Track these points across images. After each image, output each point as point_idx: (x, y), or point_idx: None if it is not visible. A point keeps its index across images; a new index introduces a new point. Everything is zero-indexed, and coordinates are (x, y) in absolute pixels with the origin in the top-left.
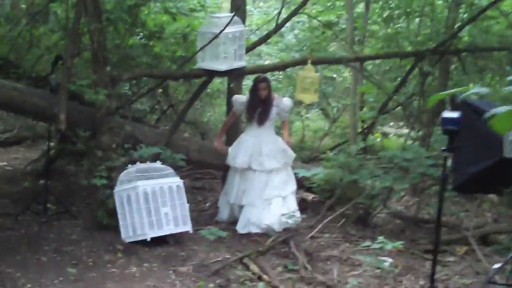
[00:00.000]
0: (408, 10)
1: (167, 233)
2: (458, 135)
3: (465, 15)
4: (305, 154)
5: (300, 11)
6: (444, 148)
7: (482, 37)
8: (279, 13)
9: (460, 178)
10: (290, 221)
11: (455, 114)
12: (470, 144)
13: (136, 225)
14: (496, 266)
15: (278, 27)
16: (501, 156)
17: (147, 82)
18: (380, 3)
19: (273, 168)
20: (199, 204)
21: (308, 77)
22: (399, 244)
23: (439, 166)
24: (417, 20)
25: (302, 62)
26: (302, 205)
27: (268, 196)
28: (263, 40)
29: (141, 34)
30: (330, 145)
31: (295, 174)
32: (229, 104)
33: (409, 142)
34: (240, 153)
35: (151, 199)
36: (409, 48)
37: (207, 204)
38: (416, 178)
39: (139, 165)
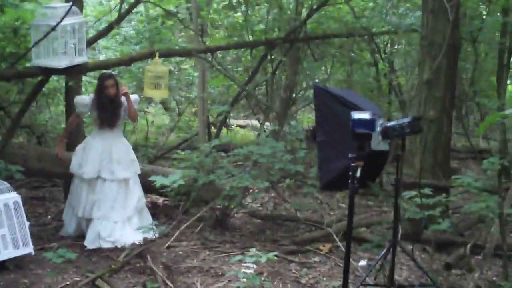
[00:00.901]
0: None
1: (6, 258)
2: (369, 138)
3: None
4: (151, 153)
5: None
6: (353, 155)
7: (327, 24)
8: (122, 2)
9: (327, 175)
10: (148, 235)
11: (366, 115)
12: (334, 137)
13: None
14: (362, 263)
15: (122, 16)
16: (370, 149)
17: None
18: None
19: (126, 177)
20: (40, 217)
21: (156, 72)
22: (272, 255)
23: (297, 160)
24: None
25: (149, 55)
26: (153, 210)
27: (130, 213)
28: (106, 32)
29: None
30: (175, 141)
31: (152, 182)
32: (69, 105)
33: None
34: (87, 161)
35: None
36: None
37: (49, 217)
38: (276, 174)
39: None
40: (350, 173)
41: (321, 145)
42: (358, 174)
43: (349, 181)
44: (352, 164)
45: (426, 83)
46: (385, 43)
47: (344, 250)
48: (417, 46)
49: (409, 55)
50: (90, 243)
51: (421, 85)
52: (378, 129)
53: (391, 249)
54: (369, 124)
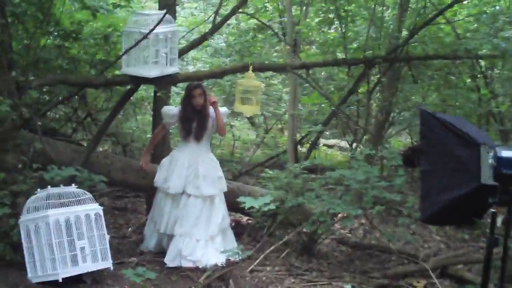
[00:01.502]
0: (343, 14)
1: (84, 271)
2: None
3: (413, 21)
4: (236, 168)
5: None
6: (493, 200)
7: (430, 45)
8: (217, 11)
9: (430, 207)
10: (232, 258)
11: None
12: (439, 166)
13: (46, 262)
14: None
15: (216, 27)
16: (478, 183)
17: (62, 89)
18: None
19: (211, 194)
20: (121, 228)
21: (249, 86)
22: None
23: (393, 188)
24: (363, 26)
25: (242, 69)
26: (236, 229)
27: (213, 233)
28: (199, 42)
29: (55, 33)
30: (261, 158)
31: (241, 203)
32: (156, 115)
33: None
34: (173, 175)
35: (65, 231)
36: (356, 55)
37: (130, 229)
38: (369, 202)
39: (50, 190)
40: (490, 220)
41: (426, 175)
42: (499, 222)
43: (488, 231)
44: (493, 210)
45: None
46: (486, 67)
47: (439, 286)
48: None
49: None
50: (170, 261)
51: None
52: (490, 161)
53: None
54: None
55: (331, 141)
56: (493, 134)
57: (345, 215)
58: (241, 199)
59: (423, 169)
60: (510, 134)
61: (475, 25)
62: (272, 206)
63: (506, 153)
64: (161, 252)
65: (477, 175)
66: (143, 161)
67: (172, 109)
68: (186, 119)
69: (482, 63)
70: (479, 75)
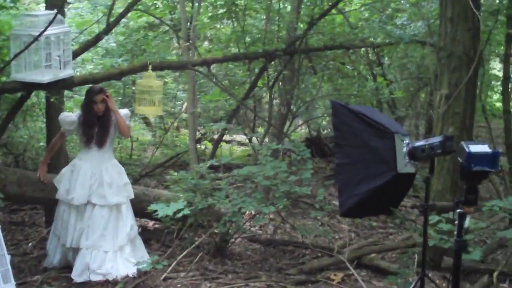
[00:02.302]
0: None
1: None
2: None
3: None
4: (136, 171)
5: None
6: (459, 199)
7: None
8: (110, 10)
9: (348, 201)
10: (142, 268)
11: (485, 148)
12: (355, 158)
13: None
14: None
15: (110, 26)
16: (395, 172)
17: None
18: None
19: (118, 202)
20: (20, 244)
21: (149, 86)
22: None
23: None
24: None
25: (141, 69)
26: (144, 235)
27: (122, 243)
28: (93, 42)
29: None
30: (159, 158)
31: (154, 212)
32: (50, 122)
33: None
34: (76, 185)
35: None
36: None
37: (30, 245)
38: (281, 198)
39: None
40: (456, 222)
41: (342, 168)
42: (466, 223)
43: (455, 233)
44: (459, 210)
45: (445, 98)
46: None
47: (358, 278)
48: (413, 58)
49: (406, 68)
50: (78, 276)
51: (439, 100)
52: (405, 149)
53: (419, 282)
54: (491, 160)
55: (230, 137)
56: None
57: (256, 213)
58: (152, 206)
59: (338, 162)
60: (404, 121)
61: (366, 14)
62: (187, 211)
63: (475, 149)
64: (67, 267)
65: (393, 164)
66: (41, 172)
67: (70, 116)
68: (88, 125)
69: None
70: (374, 64)
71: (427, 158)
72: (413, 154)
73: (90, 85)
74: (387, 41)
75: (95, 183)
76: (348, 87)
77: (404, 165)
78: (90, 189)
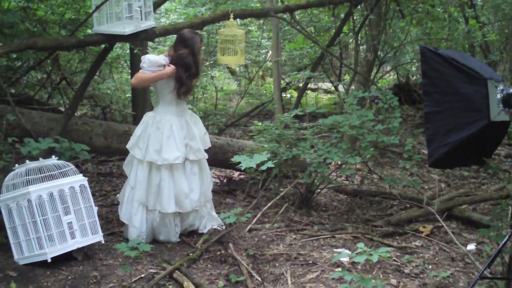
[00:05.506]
0: None
1: (73, 248)
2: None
3: None
4: (221, 121)
5: None
6: None
7: None
8: None
9: (437, 151)
10: (226, 221)
11: None
12: (445, 106)
13: (31, 242)
14: (471, 247)
15: None
16: (488, 120)
17: (32, 54)
18: None
19: (204, 156)
20: (108, 196)
21: (231, 35)
22: (385, 253)
23: (391, 131)
24: None
25: (222, 17)
26: (229, 186)
27: (208, 198)
28: None
29: None
30: (244, 108)
31: (237, 164)
32: (135, 73)
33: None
34: (170, 144)
35: (49, 207)
36: None
37: (117, 195)
38: (368, 148)
39: (29, 164)
40: None
41: (431, 117)
42: None
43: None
44: None
45: None
46: None
47: (448, 231)
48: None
49: (500, 9)
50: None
51: None
52: (498, 96)
53: None
54: None
55: (315, 85)
56: None
57: (342, 163)
58: (236, 158)
59: (427, 110)
60: (498, 65)
61: None
62: (270, 164)
63: None
64: None
65: (486, 112)
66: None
67: (162, 58)
68: (192, 76)
69: None
70: (466, 6)
71: None
72: (507, 101)
73: (185, 32)
74: None
75: (187, 137)
76: (438, 30)
77: (497, 113)
78: (186, 146)
